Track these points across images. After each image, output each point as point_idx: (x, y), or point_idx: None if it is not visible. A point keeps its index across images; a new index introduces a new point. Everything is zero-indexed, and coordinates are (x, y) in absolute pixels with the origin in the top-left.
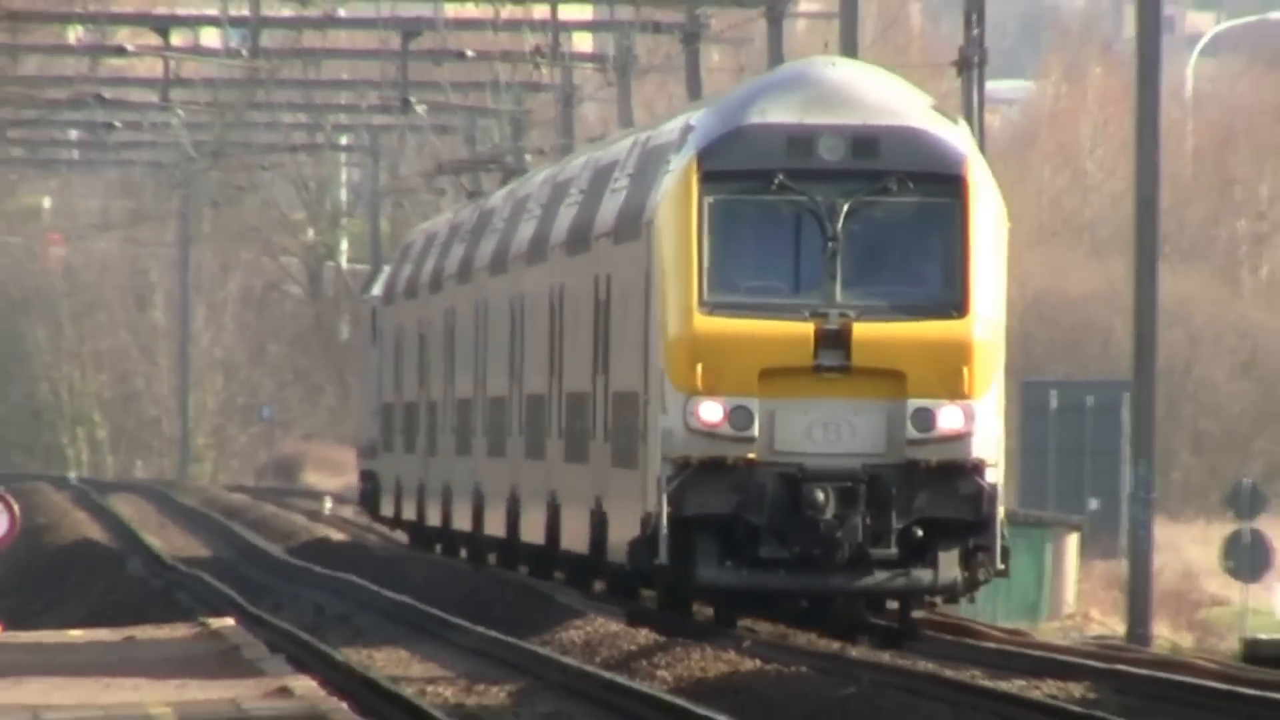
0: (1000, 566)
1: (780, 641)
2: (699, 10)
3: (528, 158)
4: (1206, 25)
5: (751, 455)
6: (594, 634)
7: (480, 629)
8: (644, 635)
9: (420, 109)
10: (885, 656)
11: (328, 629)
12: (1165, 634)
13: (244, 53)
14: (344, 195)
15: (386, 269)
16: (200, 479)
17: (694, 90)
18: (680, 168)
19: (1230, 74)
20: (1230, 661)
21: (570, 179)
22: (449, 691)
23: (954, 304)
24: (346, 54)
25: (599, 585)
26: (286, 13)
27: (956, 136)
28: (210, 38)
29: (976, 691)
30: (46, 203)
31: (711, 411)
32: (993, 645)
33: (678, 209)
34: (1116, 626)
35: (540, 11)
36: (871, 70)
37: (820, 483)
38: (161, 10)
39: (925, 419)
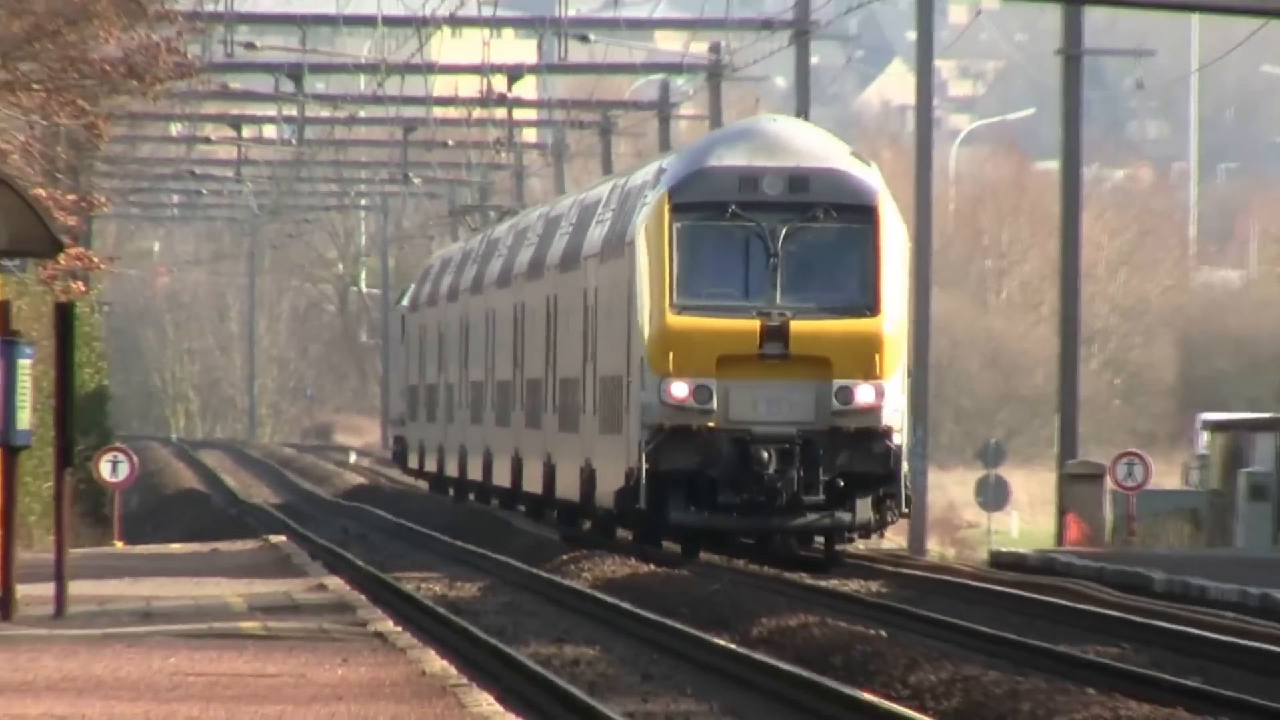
0: (905, 510)
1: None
2: (610, 113)
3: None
4: (964, 124)
5: (711, 423)
6: (538, 548)
7: (459, 543)
8: (573, 550)
9: (416, 181)
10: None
11: (351, 543)
12: (935, 548)
13: (294, 141)
14: (363, 240)
15: (411, 286)
16: (262, 439)
17: (608, 168)
18: (655, 200)
19: (980, 158)
20: (980, 566)
21: (561, 214)
22: (437, 587)
23: (868, 306)
24: (365, 143)
25: (586, 525)
26: (324, 114)
27: (869, 176)
28: (270, 131)
29: (804, 588)
30: (155, 246)
31: (680, 389)
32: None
33: (653, 232)
34: (903, 543)
35: (500, 114)
36: (803, 125)
37: (764, 444)
38: (235, 111)
39: (846, 395)
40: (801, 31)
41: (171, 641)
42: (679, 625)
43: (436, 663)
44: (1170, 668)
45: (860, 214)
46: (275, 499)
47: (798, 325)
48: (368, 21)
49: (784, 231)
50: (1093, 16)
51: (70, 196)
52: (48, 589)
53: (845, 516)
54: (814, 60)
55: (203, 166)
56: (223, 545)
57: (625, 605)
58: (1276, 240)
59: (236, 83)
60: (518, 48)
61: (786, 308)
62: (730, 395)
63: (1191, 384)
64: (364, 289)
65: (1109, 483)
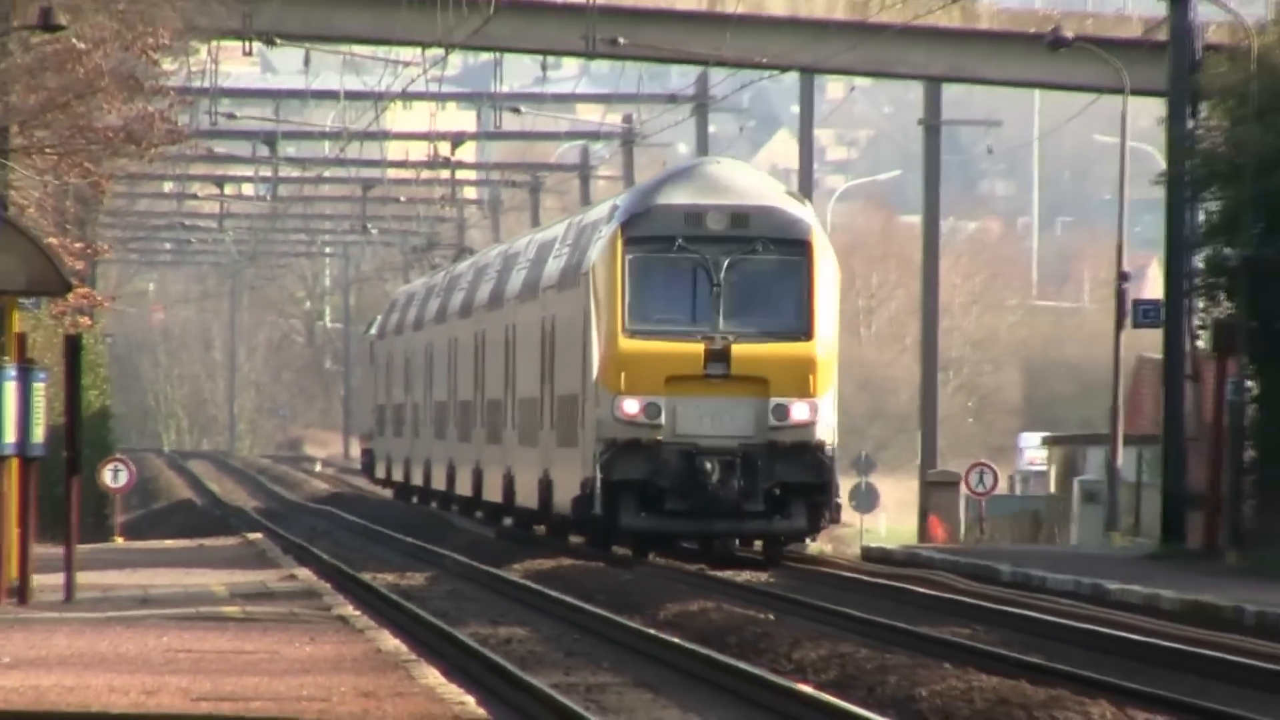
0: (837, 517)
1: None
2: (538, 174)
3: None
4: (840, 183)
5: (659, 437)
6: (476, 543)
7: (410, 540)
8: (506, 544)
9: (374, 231)
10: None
11: (318, 540)
12: (814, 545)
13: (268, 198)
14: (328, 282)
15: (379, 317)
16: (241, 451)
17: (536, 220)
18: (609, 234)
19: (853, 212)
20: (854, 560)
21: (518, 251)
22: (390, 576)
23: (803, 331)
24: (329, 199)
25: (541, 530)
26: (294, 174)
27: (804, 213)
28: (248, 189)
29: (704, 578)
30: (150, 287)
31: (631, 406)
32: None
33: (607, 263)
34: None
35: (444, 174)
36: (743, 166)
37: (709, 456)
38: (219, 172)
39: (782, 412)
40: (701, 105)
41: (164, 623)
42: (597, 610)
43: (390, 641)
44: (1015, 646)
45: (795, 247)
46: (253, 502)
47: (738, 348)
48: (332, 95)
49: (726, 263)
50: (949, 91)
51: (78, 244)
52: (58, 578)
53: (782, 522)
54: (711, 129)
55: (191, 219)
56: (208, 541)
57: (551, 592)
58: (1106, 283)
59: (220, 147)
60: (459, 118)
61: (728, 332)
62: (677, 411)
63: (1033, 404)
64: (328, 323)
65: (963, 489)
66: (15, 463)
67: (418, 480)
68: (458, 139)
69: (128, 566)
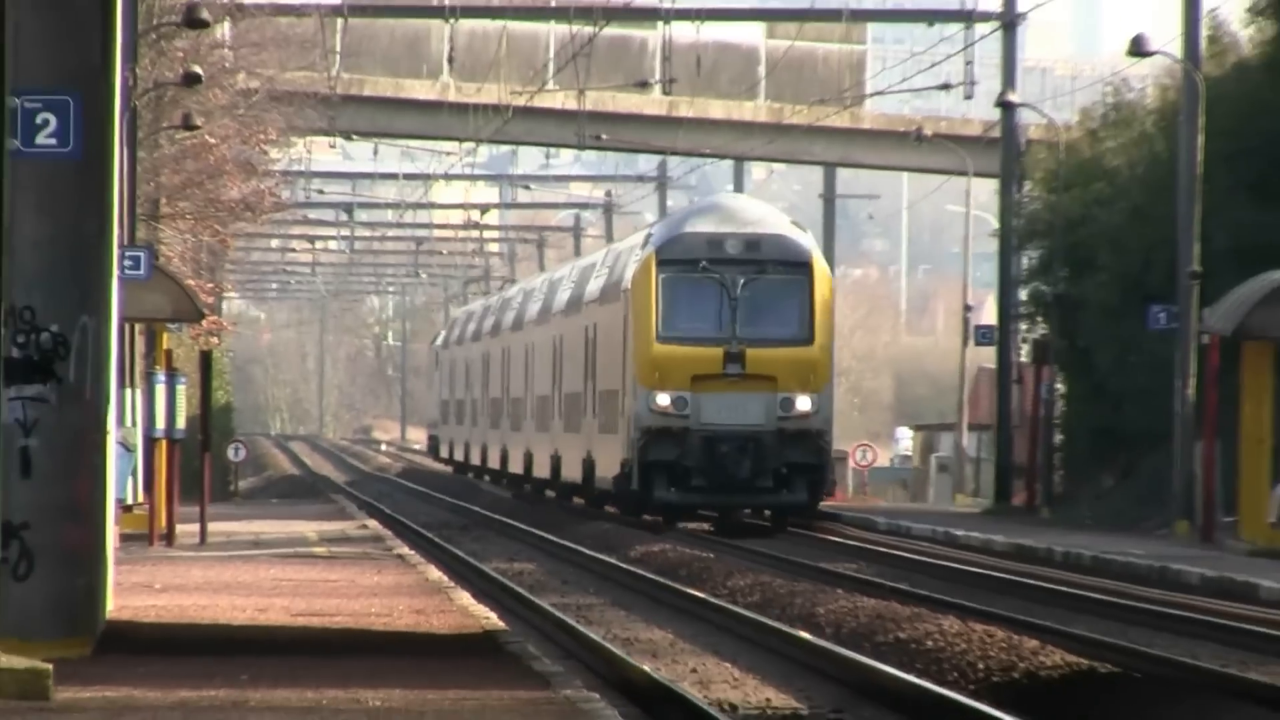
0: (832, 491)
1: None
2: (543, 233)
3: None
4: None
5: (687, 425)
6: (498, 502)
7: (450, 499)
8: (521, 504)
9: (423, 275)
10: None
11: (382, 499)
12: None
13: (347, 251)
14: (390, 312)
15: (442, 331)
16: (327, 434)
17: (542, 267)
18: (644, 256)
19: None
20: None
21: (562, 276)
22: (441, 531)
23: (805, 337)
24: (391, 252)
25: (579, 501)
26: (365, 234)
27: (805, 240)
28: (333, 245)
29: (659, 529)
30: (261, 316)
31: (664, 399)
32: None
33: (642, 280)
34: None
35: (475, 234)
36: (756, 201)
37: (727, 441)
38: (311, 232)
39: (789, 404)
40: (661, 183)
41: (271, 560)
42: (584, 549)
43: (435, 573)
44: (889, 576)
45: (799, 268)
46: (336, 472)
47: (752, 351)
48: (393, 176)
49: (741, 281)
50: (842, 173)
51: (209, 285)
52: (194, 528)
53: (787, 496)
54: (670, 202)
55: (290, 266)
56: (303, 503)
57: (550, 537)
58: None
59: (311, 214)
60: (486, 193)
61: (743, 338)
62: (701, 404)
63: (902, 402)
64: (390, 342)
65: (851, 462)
66: (164, 443)
67: (475, 460)
68: (484, 208)
69: (244, 519)
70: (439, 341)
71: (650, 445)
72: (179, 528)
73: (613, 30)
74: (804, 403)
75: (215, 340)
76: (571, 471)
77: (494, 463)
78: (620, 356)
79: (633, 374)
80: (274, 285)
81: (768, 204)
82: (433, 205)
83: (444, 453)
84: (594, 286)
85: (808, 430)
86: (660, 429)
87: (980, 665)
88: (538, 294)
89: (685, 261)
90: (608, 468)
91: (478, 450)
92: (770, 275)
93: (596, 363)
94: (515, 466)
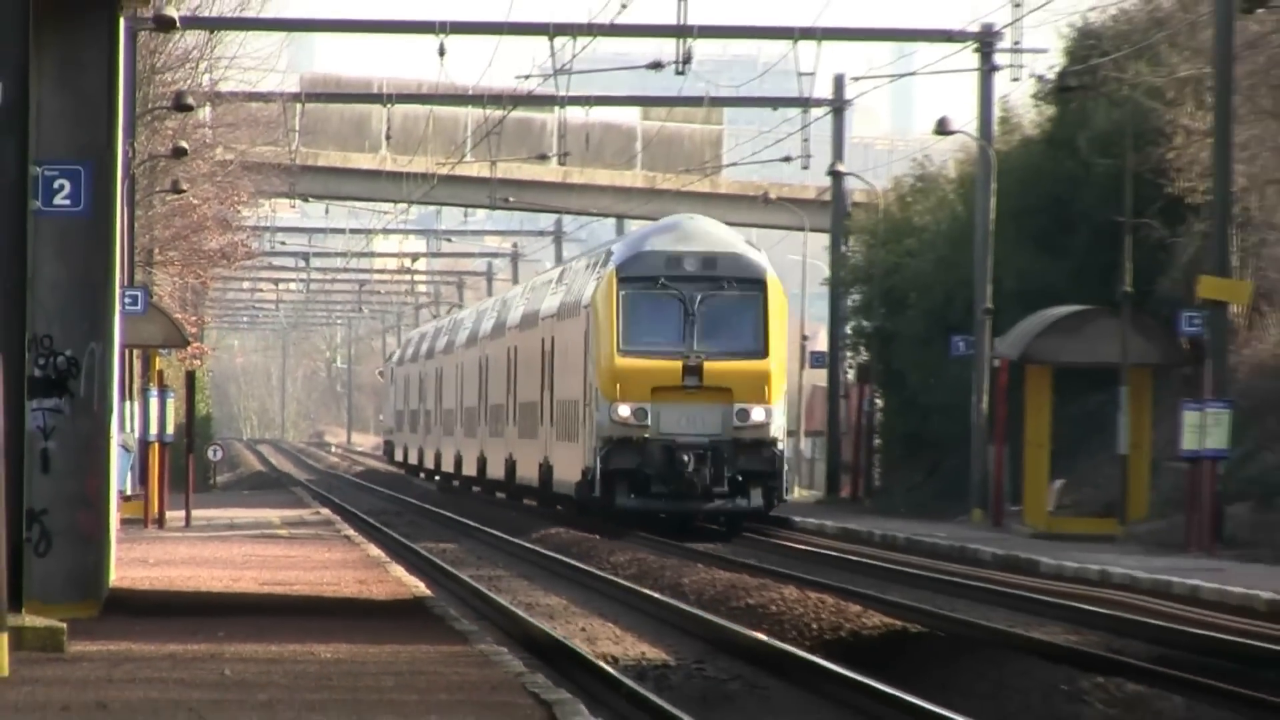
0: (785, 498)
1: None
2: (463, 277)
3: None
4: None
5: (647, 435)
6: (427, 494)
7: (388, 491)
8: (447, 495)
9: (365, 310)
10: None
11: (332, 491)
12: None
13: (305, 292)
14: (338, 340)
15: (396, 351)
16: (288, 439)
17: (461, 306)
18: (606, 273)
19: None
20: None
21: (514, 295)
22: (380, 517)
23: (759, 351)
24: (340, 291)
25: (532, 504)
26: (319, 277)
27: (760, 259)
28: (294, 286)
29: (556, 514)
30: (235, 343)
31: (624, 410)
32: None
33: (605, 296)
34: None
35: (407, 278)
36: (713, 222)
37: (685, 450)
38: (276, 276)
39: (744, 415)
40: (558, 237)
41: (243, 539)
42: (497, 532)
43: (375, 550)
44: (740, 554)
45: (754, 285)
46: (294, 469)
47: (709, 365)
48: (341, 230)
49: (699, 297)
50: None
51: (192, 318)
52: (181, 514)
53: (743, 502)
54: (565, 252)
55: (259, 304)
56: (269, 493)
57: (469, 522)
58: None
59: (276, 261)
60: (416, 244)
61: (701, 352)
62: (661, 414)
63: None
64: (339, 364)
65: None
66: (157, 445)
67: (429, 463)
68: (415, 257)
69: (221, 507)
70: (393, 359)
71: (612, 454)
72: (168, 514)
73: (518, 113)
74: (758, 413)
75: (198, 362)
76: (527, 474)
77: (447, 466)
78: (581, 369)
79: (595, 386)
80: (245, 318)
81: (723, 225)
82: (373, 254)
83: (399, 456)
84: (550, 303)
85: (762, 440)
86: (621, 438)
87: (814, 625)
88: (489, 313)
89: (645, 279)
90: (567, 473)
91: (431, 454)
92: (726, 291)
93: (555, 375)
94: (468, 469)
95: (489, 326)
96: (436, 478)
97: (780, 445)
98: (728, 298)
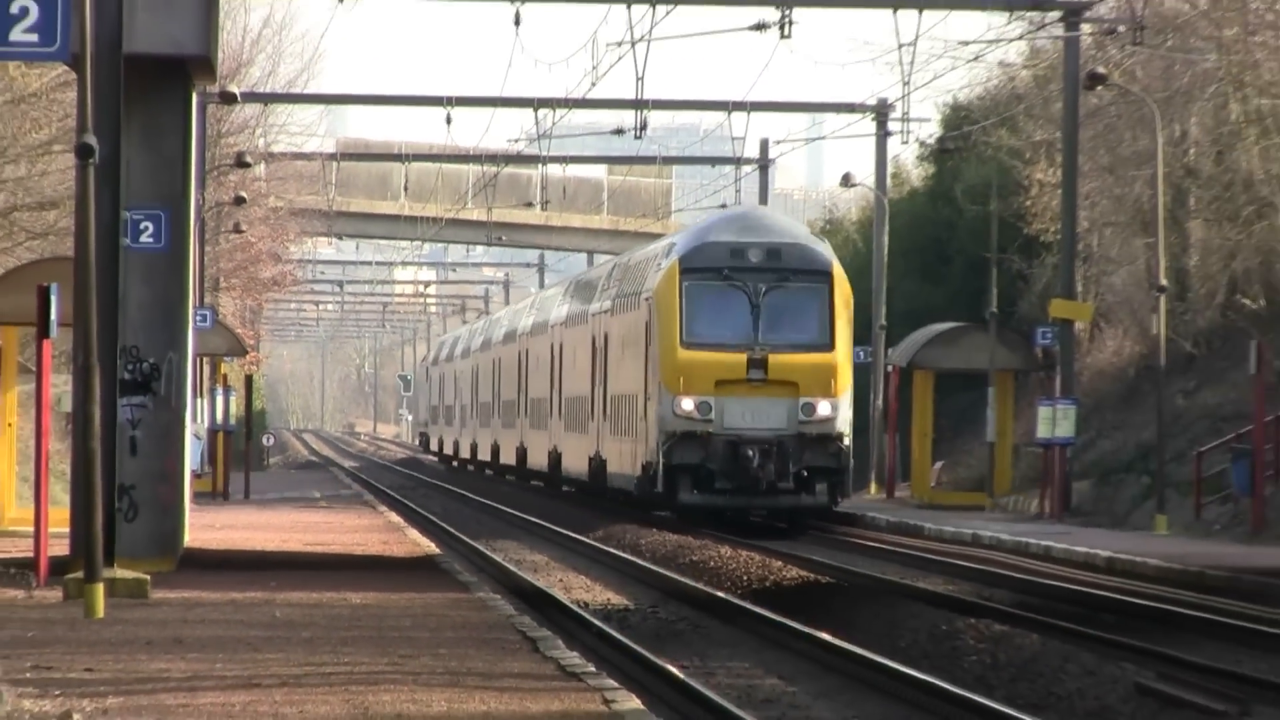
0: (850, 494)
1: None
2: (466, 301)
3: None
4: None
5: (711, 429)
6: (436, 473)
7: (405, 470)
8: (453, 472)
9: (387, 325)
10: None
11: (361, 470)
12: None
13: (339, 311)
14: (366, 349)
15: (430, 352)
16: (326, 429)
17: (463, 322)
18: (668, 265)
19: None
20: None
21: (552, 295)
22: (395, 489)
23: (825, 344)
24: (368, 310)
25: (570, 491)
26: (351, 299)
27: (825, 250)
28: (331, 307)
29: (549, 491)
30: (285, 352)
31: (688, 404)
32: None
33: (666, 288)
34: None
35: (421, 301)
36: (776, 213)
37: (750, 445)
38: (316, 298)
39: (809, 409)
40: (540, 269)
41: (291, 508)
42: (494, 503)
43: (395, 517)
44: (687, 521)
45: (819, 277)
46: (330, 452)
47: (774, 358)
48: (369, 263)
49: (764, 289)
50: None
51: (250, 332)
52: (240, 488)
53: (808, 498)
54: (548, 279)
55: (303, 320)
56: (312, 470)
57: (471, 495)
58: None
59: (316, 287)
60: (428, 274)
61: (766, 344)
62: (725, 408)
63: None
64: (368, 369)
65: None
66: (222, 434)
67: (465, 454)
68: (427, 284)
69: (273, 483)
70: (428, 359)
71: (675, 448)
72: (231, 488)
73: (509, 170)
74: (824, 407)
75: (254, 367)
76: (575, 466)
77: (484, 455)
78: (641, 362)
79: (658, 379)
80: (292, 332)
81: (787, 216)
82: (394, 281)
83: (434, 447)
84: (603, 299)
85: (828, 434)
86: (685, 433)
87: (744, 577)
88: (526, 312)
89: (708, 270)
90: (623, 466)
91: (467, 445)
92: (791, 283)
93: (609, 369)
94: (506, 458)
95: (529, 324)
96: (469, 466)
97: (846, 440)
98: (792, 289)
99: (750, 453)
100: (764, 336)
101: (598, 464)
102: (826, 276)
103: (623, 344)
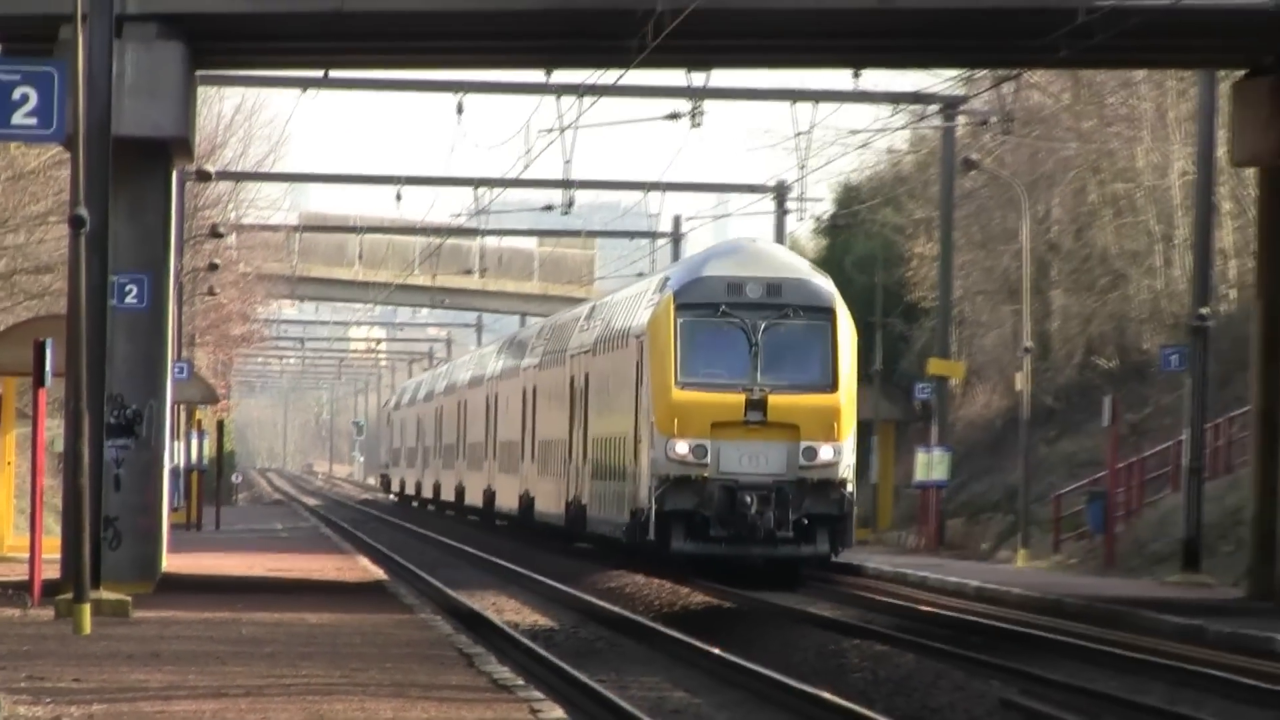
0: (853, 543)
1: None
2: (412, 357)
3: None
4: None
5: (706, 474)
6: (385, 509)
7: (357, 507)
8: (399, 507)
9: (342, 379)
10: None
11: (324, 509)
12: None
13: (300, 364)
14: (324, 398)
15: (392, 398)
16: (288, 468)
17: (410, 375)
18: (662, 300)
19: None
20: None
21: (527, 339)
22: (347, 522)
23: (828, 385)
24: (325, 365)
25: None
26: (311, 354)
27: (827, 285)
28: (292, 360)
29: (475, 523)
30: (252, 400)
31: (682, 447)
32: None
33: (661, 325)
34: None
35: (373, 357)
36: (777, 245)
37: (747, 491)
38: (280, 353)
39: (811, 453)
40: (479, 328)
41: (256, 539)
42: (434, 535)
43: (347, 547)
44: (601, 551)
45: (821, 314)
46: (292, 490)
47: (774, 399)
48: (326, 323)
49: (763, 326)
50: None
51: (222, 383)
52: (211, 520)
53: (808, 548)
54: (485, 336)
55: (268, 372)
56: (273, 506)
57: (414, 528)
58: None
59: (280, 343)
60: (379, 332)
61: (765, 385)
62: (721, 452)
63: None
64: (324, 416)
65: None
66: (196, 472)
67: (427, 494)
68: (378, 341)
69: (241, 517)
70: (389, 404)
71: (668, 494)
72: (204, 520)
73: (452, 241)
74: (827, 452)
75: (225, 414)
76: (549, 509)
77: (446, 496)
78: (629, 403)
79: (649, 420)
80: (259, 383)
81: (787, 249)
82: (349, 339)
83: (395, 487)
84: (582, 339)
85: (830, 480)
86: (679, 477)
87: (656, 602)
88: (492, 357)
89: (705, 305)
90: (608, 512)
91: (430, 485)
92: (792, 320)
93: (590, 411)
94: (472, 499)
95: (498, 368)
96: (430, 506)
97: (850, 486)
98: (793, 327)
99: (748, 499)
100: (763, 376)
101: (575, 509)
102: (829, 313)
103: (607, 385)
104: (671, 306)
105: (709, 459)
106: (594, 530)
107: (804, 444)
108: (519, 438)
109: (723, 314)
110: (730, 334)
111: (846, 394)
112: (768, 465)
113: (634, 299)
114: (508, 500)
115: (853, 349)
